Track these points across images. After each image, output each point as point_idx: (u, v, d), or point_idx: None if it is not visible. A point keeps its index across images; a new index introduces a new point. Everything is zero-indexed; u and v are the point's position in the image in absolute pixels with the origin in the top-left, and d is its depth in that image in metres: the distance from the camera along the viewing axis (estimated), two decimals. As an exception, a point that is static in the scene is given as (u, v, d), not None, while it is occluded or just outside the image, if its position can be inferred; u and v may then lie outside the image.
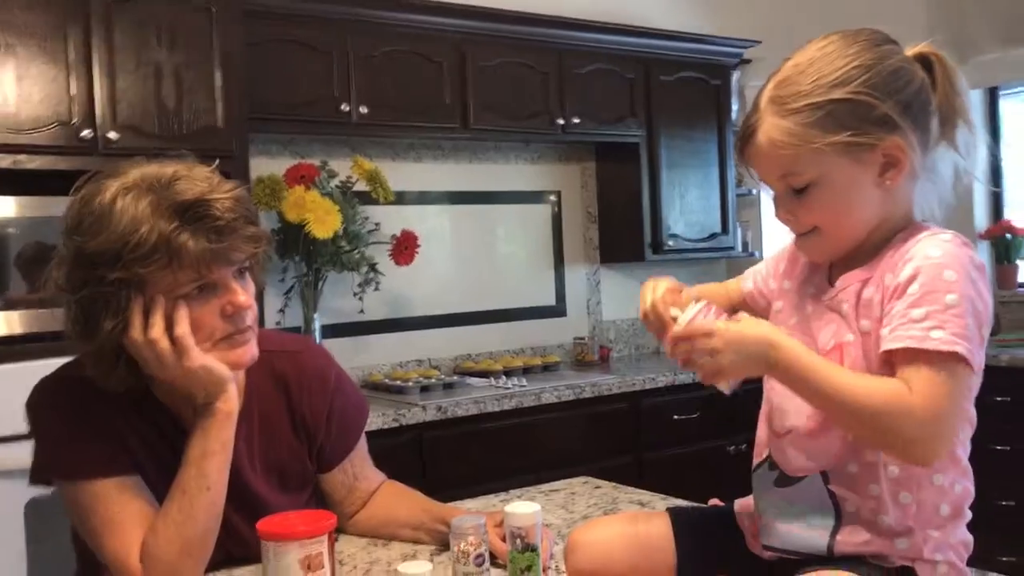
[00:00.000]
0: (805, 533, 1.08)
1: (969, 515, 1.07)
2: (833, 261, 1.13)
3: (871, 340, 1.04)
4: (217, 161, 1.32)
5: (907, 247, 1.05)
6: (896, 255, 1.05)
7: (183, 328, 1.23)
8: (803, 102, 1.05)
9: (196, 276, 1.22)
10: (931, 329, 0.97)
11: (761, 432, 1.18)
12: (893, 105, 1.04)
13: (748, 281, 1.29)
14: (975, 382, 1.01)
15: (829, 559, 1.06)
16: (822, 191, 1.06)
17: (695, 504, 1.38)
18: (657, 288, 1.12)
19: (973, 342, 0.98)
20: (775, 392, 1.15)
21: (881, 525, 1.04)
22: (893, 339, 0.99)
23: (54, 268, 1.25)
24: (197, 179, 1.24)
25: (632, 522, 1.26)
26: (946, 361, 0.97)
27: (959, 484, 1.06)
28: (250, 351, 1.31)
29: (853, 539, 1.05)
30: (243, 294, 1.27)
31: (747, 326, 1.04)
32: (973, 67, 4.00)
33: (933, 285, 0.99)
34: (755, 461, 1.18)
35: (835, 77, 1.04)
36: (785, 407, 1.12)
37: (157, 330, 1.22)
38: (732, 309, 1.28)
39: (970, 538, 1.08)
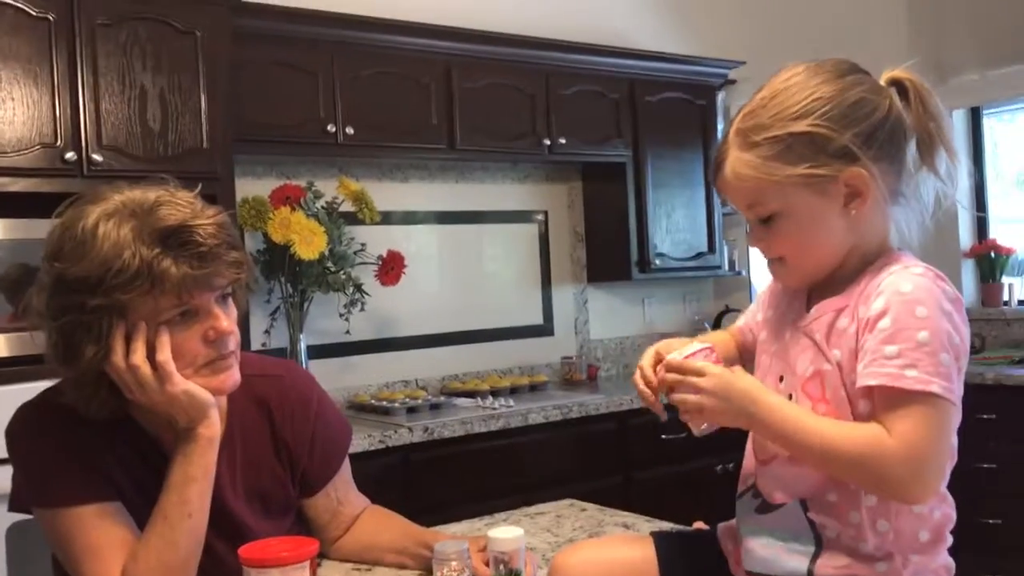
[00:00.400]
0: (786, 558, 1.08)
1: (950, 540, 1.08)
2: (811, 286, 1.14)
3: (845, 370, 1.05)
4: (200, 186, 1.31)
5: (879, 279, 1.05)
6: (870, 286, 1.06)
7: (165, 354, 1.22)
8: (763, 135, 1.06)
9: (178, 302, 1.22)
10: (905, 367, 0.97)
11: (747, 461, 1.18)
12: (852, 137, 1.04)
13: (741, 318, 1.32)
14: (955, 416, 1.01)
15: None
16: (786, 222, 1.08)
17: (679, 528, 1.38)
18: (646, 355, 1.18)
19: (950, 378, 0.98)
20: None
21: (861, 551, 1.04)
22: (868, 375, 1.00)
23: (34, 294, 1.24)
24: (180, 204, 1.23)
25: (616, 546, 1.26)
26: (923, 400, 0.97)
27: (938, 510, 1.07)
28: (232, 376, 1.30)
29: (833, 563, 1.05)
30: (225, 319, 1.26)
31: (737, 376, 1.05)
32: (954, 88, 4.05)
33: (905, 322, 0.99)
34: (740, 489, 1.19)
35: (795, 111, 1.06)
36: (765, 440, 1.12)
37: (139, 356, 1.21)
38: (739, 353, 1.31)
39: (951, 562, 1.08)
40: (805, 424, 1.01)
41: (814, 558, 1.06)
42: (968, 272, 4.28)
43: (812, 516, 1.07)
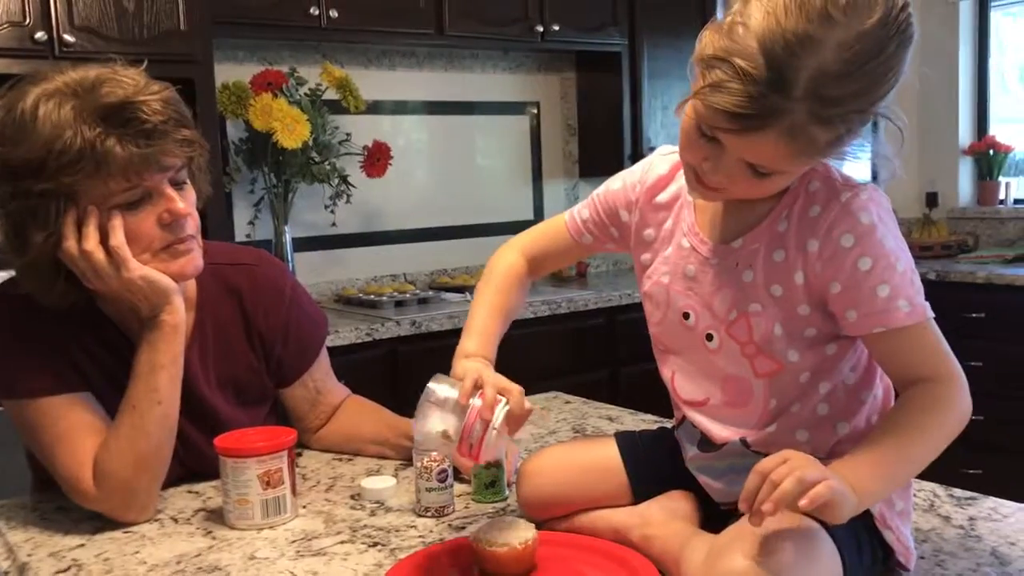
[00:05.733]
0: (735, 489, 0.97)
1: None
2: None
3: (786, 304, 0.97)
4: (146, 62, 1.24)
5: (826, 210, 0.94)
6: (810, 216, 0.95)
7: (118, 238, 1.18)
8: (839, 111, 0.86)
9: (128, 184, 1.17)
10: (899, 303, 0.92)
11: (675, 407, 1.12)
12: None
13: (580, 216, 1.18)
14: None
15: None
16: (781, 178, 0.93)
17: (643, 429, 1.33)
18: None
19: (922, 292, 0.95)
20: (676, 361, 1.08)
21: (820, 455, 0.98)
22: (871, 322, 0.93)
23: None
24: (123, 81, 1.17)
25: (582, 449, 1.23)
26: (924, 326, 0.94)
27: (878, 390, 1.04)
28: (194, 261, 1.25)
29: None
30: (180, 201, 1.22)
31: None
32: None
33: (881, 259, 0.92)
34: (674, 423, 1.14)
35: (881, 90, 0.87)
36: (692, 382, 1.06)
37: (91, 242, 1.17)
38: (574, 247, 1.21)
39: None
40: (899, 453, 0.91)
41: None
42: (966, 169, 4.22)
43: (756, 450, 1.02)
